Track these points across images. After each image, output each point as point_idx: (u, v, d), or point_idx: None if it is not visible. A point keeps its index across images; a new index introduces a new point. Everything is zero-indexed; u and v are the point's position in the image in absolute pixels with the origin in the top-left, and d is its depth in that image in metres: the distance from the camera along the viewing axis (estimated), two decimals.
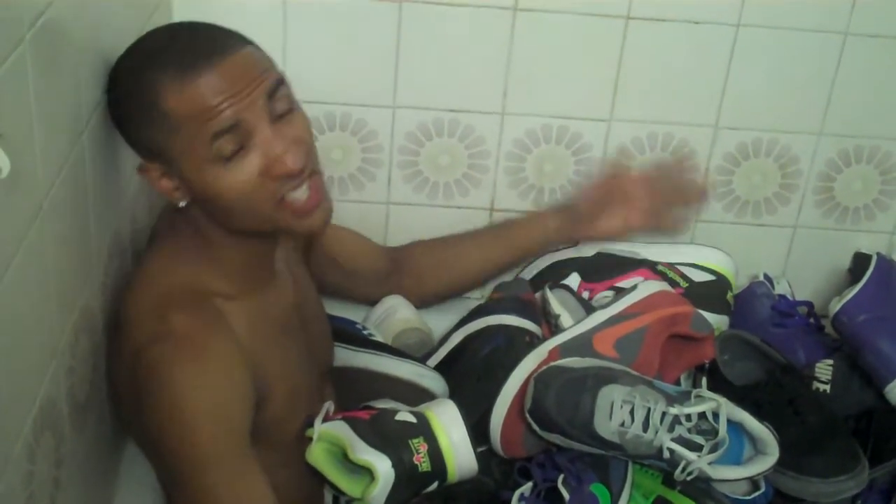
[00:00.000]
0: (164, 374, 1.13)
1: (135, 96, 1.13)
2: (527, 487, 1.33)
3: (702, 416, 1.31)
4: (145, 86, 1.11)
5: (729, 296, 1.66)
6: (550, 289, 1.59)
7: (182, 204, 1.18)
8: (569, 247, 1.72)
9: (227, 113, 1.10)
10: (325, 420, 1.29)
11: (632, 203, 1.62)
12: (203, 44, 1.13)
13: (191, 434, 1.12)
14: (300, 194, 1.17)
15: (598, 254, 1.69)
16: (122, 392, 1.22)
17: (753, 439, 1.36)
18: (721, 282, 1.66)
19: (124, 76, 1.15)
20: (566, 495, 1.28)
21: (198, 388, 1.13)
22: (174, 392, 1.12)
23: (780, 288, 1.77)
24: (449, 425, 1.26)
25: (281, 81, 1.16)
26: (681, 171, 1.66)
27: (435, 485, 1.27)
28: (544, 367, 1.35)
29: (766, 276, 1.77)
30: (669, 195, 1.63)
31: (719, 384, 1.50)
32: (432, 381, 1.47)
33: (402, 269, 1.68)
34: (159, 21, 1.42)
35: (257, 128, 1.12)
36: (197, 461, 1.12)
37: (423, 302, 1.70)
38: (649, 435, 1.29)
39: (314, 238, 1.48)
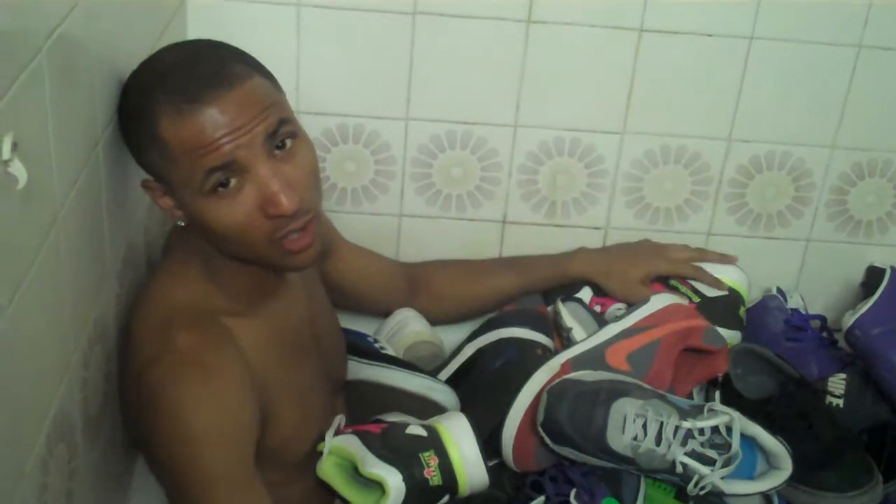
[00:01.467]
0: (167, 393, 1.12)
1: (137, 119, 1.13)
2: (539, 501, 1.32)
3: (715, 430, 1.30)
4: (147, 112, 1.11)
5: (741, 311, 1.66)
6: (562, 301, 1.59)
7: (181, 224, 1.18)
8: None
9: (224, 149, 1.09)
10: (336, 434, 1.29)
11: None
12: (207, 76, 1.10)
13: (194, 454, 1.12)
14: (297, 237, 1.16)
15: None
16: (130, 409, 1.22)
17: (766, 454, 1.35)
18: (733, 297, 1.66)
19: (130, 97, 1.15)
20: None
21: (201, 408, 1.12)
22: (177, 411, 1.12)
23: (793, 301, 1.76)
24: (460, 439, 1.26)
25: (284, 120, 1.13)
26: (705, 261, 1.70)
27: (446, 498, 1.26)
28: (557, 381, 1.34)
29: (778, 289, 1.76)
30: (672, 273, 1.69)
31: (732, 398, 1.50)
32: (443, 394, 1.47)
33: (419, 289, 1.69)
34: (174, 34, 1.43)
35: (254, 164, 1.10)
36: (200, 481, 1.12)
37: (436, 321, 1.70)
38: (662, 449, 1.28)
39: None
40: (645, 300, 1.51)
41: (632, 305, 1.53)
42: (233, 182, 1.11)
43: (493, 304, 1.70)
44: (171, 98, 1.09)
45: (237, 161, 1.10)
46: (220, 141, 1.08)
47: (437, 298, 1.69)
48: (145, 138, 1.12)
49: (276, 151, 1.13)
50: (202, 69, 1.11)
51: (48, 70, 0.93)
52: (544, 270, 1.69)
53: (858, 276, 1.79)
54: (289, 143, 1.14)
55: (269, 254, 1.17)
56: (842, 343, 1.66)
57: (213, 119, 1.08)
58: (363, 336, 1.59)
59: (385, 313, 1.68)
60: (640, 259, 1.67)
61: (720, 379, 1.53)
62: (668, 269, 1.66)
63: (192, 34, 1.54)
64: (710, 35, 1.63)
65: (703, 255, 1.69)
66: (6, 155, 0.81)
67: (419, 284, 1.69)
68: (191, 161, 1.09)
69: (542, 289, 1.70)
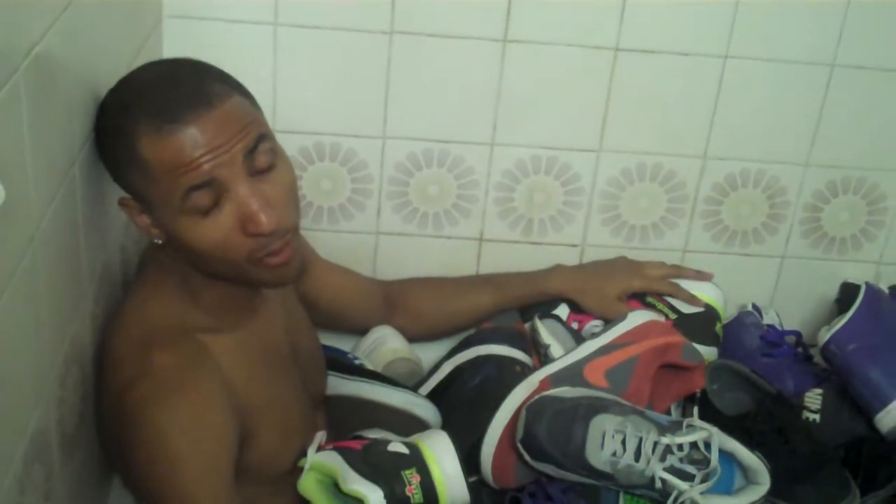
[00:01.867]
0: (146, 413, 1.12)
1: (116, 138, 1.12)
2: None
3: (694, 445, 1.31)
4: (126, 131, 1.10)
5: (718, 327, 1.66)
6: (540, 319, 1.60)
7: (159, 241, 1.18)
8: None
9: (204, 168, 1.09)
10: (317, 450, 1.28)
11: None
12: (187, 95, 1.10)
13: (173, 473, 1.11)
14: (276, 257, 1.16)
15: None
16: (107, 430, 1.21)
17: (744, 469, 1.36)
18: (710, 313, 1.66)
19: (109, 115, 1.15)
20: None
21: (180, 427, 1.12)
22: (156, 431, 1.11)
23: (769, 318, 1.77)
24: (442, 457, 1.26)
25: (262, 137, 1.14)
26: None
27: None
28: (535, 397, 1.35)
29: (754, 305, 1.77)
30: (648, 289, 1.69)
31: (709, 414, 1.50)
32: (425, 409, 1.47)
33: (396, 307, 1.68)
34: (150, 54, 1.43)
35: (234, 183, 1.11)
36: (179, 501, 1.11)
37: (413, 339, 1.70)
38: (641, 464, 1.29)
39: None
40: (622, 317, 1.51)
41: (609, 322, 1.54)
42: (210, 202, 1.10)
43: (470, 322, 1.70)
44: (151, 118, 1.09)
45: (216, 180, 1.10)
46: (199, 160, 1.08)
47: (414, 316, 1.69)
48: (124, 157, 1.12)
49: (256, 171, 1.13)
50: (182, 89, 1.11)
51: (25, 89, 0.93)
52: (521, 288, 1.69)
53: (833, 292, 1.80)
54: (266, 161, 1.13)
55: (248, 271, 1.16)
56: (817, 358, 1.67)
57: (193, 139, 1.08)
58: (343, 353, 1.59)
59: (362, 331, 1.68)
60: (616, 276, 1.68)
61: (698, 395, 1.54)
62: (644, 286, 1.66)
63: (168, 53, 1.54)
64: (685, 54, 1.65)
65: (679, 271, 1.70)
66: None
67: (396, 302, 1.69)
68: (170, 180, 1.09)
69: (518, 306, 1.70)
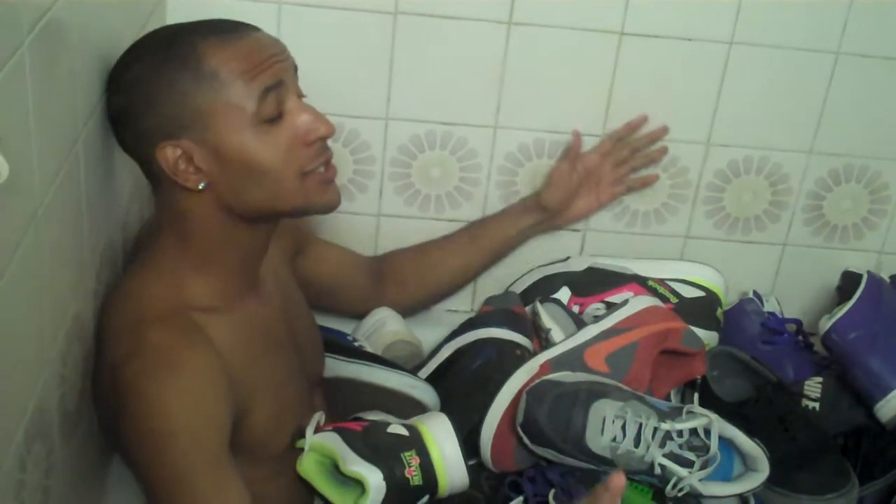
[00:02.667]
0: (140, 389, 1.12)
1: (169, 67, 1.12)
2: (517, 501, 1.33)
3: (693, 432, 1.31)
4: (185, 52, 1.12)
5: (718, 312, 1.67)
6: (541, 302, 1.60)
7: (201, 186, 1.16)
8: (558, 261, 1.73)
9: (276, 68, 1.14)
10: (315, 431, 1.28)
11: (598, 180, 1.71)
12: (232, 21, 1.18)
13: (168, 449, 1.12)
14: (327, 168, 1.21)
15: (589, 269, 1.70)
16: (104, 406, 1.22)
17: (744, 456, 1.36)
18: (710, 298, 1.67)
19: (146, 58, 1.15)
20: None
21: (174, 403, 1.12)
22: (150, 407, 1.12)
23: (769, 305, 1.77)
24: (441, 439, 1.26)
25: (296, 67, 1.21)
26: (633, 134, 1.71)
27: (426, 499, 1.26)
28: (536, 382, 1.35)
29: (755, 293, 1.77)
30: (630, 161, 1.71)
31: (709, 400, 1.50)
32: (424, 392, 1.47)
33: (383, 279, 1.69)
34: (154, 28, 1.42)
35: (291, 95, 1.17)
36: (175, 476, 1.12)
37: (407, 310, 1.70)
38: (641, 450, 1.29)
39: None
40: (624, 302, 1.52)
41: (611, 306, 1.54)
42: (275, 111, 1.15)
43: (456, 278, 1.72)
44: (212, 34, 1.14)
45: (284, 84, 1.15)
46: (270, 59, 1.14)
47: (401, 283, 1.69)
48: (182, 81, 1.12)
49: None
50: (223, 21, 1.18)
51: (30, 62, 0.92)
52: (494, 225, 1.72)
53: (834, 280, 1.80)
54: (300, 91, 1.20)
55: (300, 191, 1.19)
56: (817, 347, 1.67)
57: (259, 42, 1.15)
58: (342, 334, 1.59)
59: (358, 310, 1.68)
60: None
61: (698, 381, 1.54)
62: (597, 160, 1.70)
63: None
64: (689, 39, 1.64)
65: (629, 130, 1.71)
66: None
67: (384, 274, 1.69)
68: (244, 83, 1.12)
69: (499, 250, 1.72)
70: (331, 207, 1.25)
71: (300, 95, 1.19)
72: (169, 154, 1.14)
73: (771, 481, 1.35)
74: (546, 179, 1.70)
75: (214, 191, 1.17)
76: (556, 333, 1.52)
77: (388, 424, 1.28)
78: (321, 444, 1.26)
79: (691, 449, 1.30)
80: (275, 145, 1.15)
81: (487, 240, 1.71)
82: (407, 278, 1.70)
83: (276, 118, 1.15)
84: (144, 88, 1.14)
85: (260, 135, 1.14)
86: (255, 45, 1.14)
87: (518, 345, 1.54)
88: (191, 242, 1.21)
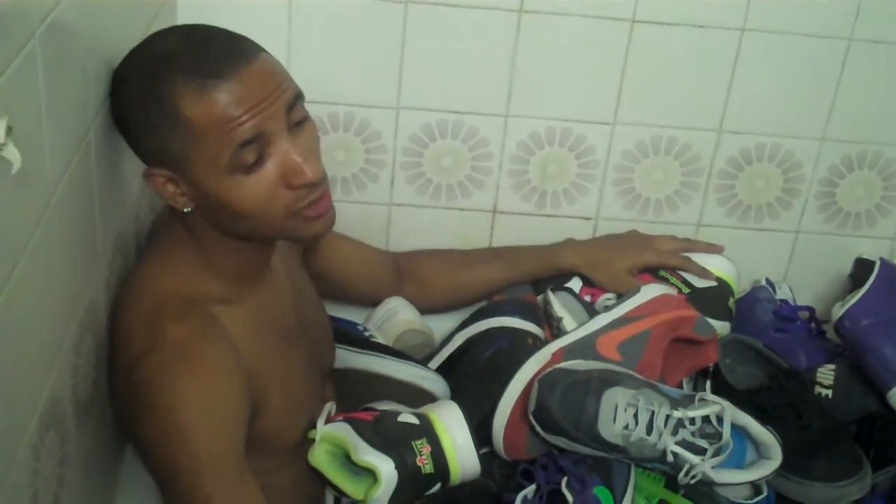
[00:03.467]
0: (158, 384, 1.12)
1: (152, 102, 1.10)
2: (530, 490, 1.32)
3: (706, 419, 1.30)
4: (165, 92, 1.08)
5: (731, 301, 1.66)
6: (553, 291, 1.60)
7: (187, 210, 1.16)
8: None
9: (252, 123, 1.08)
10: (326, 421, 1.29)
11: None
12: (223, 50, 1.11)
13: (185, 445, 1.12)
14: (316, 205, 1.16)
15: None
16: (120, 399, 1.22)
17: (756, 443, 1.36)
18: (723, 287, 1.66)
19: (137, 80, 1.12)
20: (570, 498, 1.27)
21: (192, 399, 1.12)
22: (168, 403, 1.12)
23: (782, 293, 1.77)
24: (452, 427, 1.26)
25: (300, 94, 1.15)
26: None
27: (437, 487, 1.26)
28: (548, 370, 1.35)
29: (767, 280, 1.77)
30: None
31: (721, 388, 1.50)
32: (434, 383, 1.47)
33: (406, 278, 1.69)
34: (163, 22, 1.41)
35: (278, 137, 1.11)
36: (192, 472, 1.12)
37: (423, 310, 1.70)
38: (653, 438, 1.29)
39: (314, 243, 1.48)
40: (635, 290, 1.51)
41: (622, 295, 1.53)
42: (255, 158, 1.10)
43: (479, 295, 1.70)
44: (192, 76, 1.08)
45: (264, 133, 1.10)
46: (247, 114, 1.08)
47: (423, 287, 1.69)
48: (164, 123, 1.09)
49: (293, 125, 1.14)
50: (215, 47, 1.11)
51: (41, 54, 0.92)
52: (532, 262, 1.69)
53: (847, 267, 1.79)
54: (301, 115, 1.15)
55: (286, 227, 1.17)
56: (830, 334, 1.66)
57: (239, 93, 1.08)
58: (353, 324, 1.59)
59: (372, 302, 1.68)
60: (628, 250, 1.67)
61: (710, 369, 1.54)
62: (656, 259, 1.66)
63: (182, 20, 1.53)
64: (701, 27, 1.64)
65: (691, 245, 1.69)
66: (0, 139, 0.80)
67: (405, 273, 1.69)
68: (218, 138, 1.08)
69: (529, 280, 1.70)
70: (319, 237, 1.24)
71: (301, 121, 1.15)
72: (157, 177, 1.15)
73: (784, 468, 1.34)
74: (609, 266, 1.67)
75: (203, 214, 1.17)
76: (568, 322, 1.52)
77: (398, 413, 1.28)
78: (332, 434, 1.26)
79: (704, 436, 1.30)
80: (253, 191, 1.12)
81: (523, 270, 1.69)
82: (430, 284, 1.70)
83: (254, 166, 1.11)
84: (134, 114, 1.14)
85: (240, 181, 1.11)
86: (235, 95, 1.08)
87: (530, 333, 1.54)
88: (197, 240, 1.21)
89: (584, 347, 1.42)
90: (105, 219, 1.19)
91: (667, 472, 1.33)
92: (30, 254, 0.92)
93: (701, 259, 1.67)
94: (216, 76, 1.08)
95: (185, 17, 1.54)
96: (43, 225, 0.95)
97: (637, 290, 1.52)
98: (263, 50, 1.15)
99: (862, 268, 1.68)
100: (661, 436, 1.29)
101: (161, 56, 1.12)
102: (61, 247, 1.02)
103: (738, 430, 1.34)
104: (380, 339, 1.58)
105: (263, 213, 1.14)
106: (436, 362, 1.57)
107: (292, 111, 1.13)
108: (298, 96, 1.15)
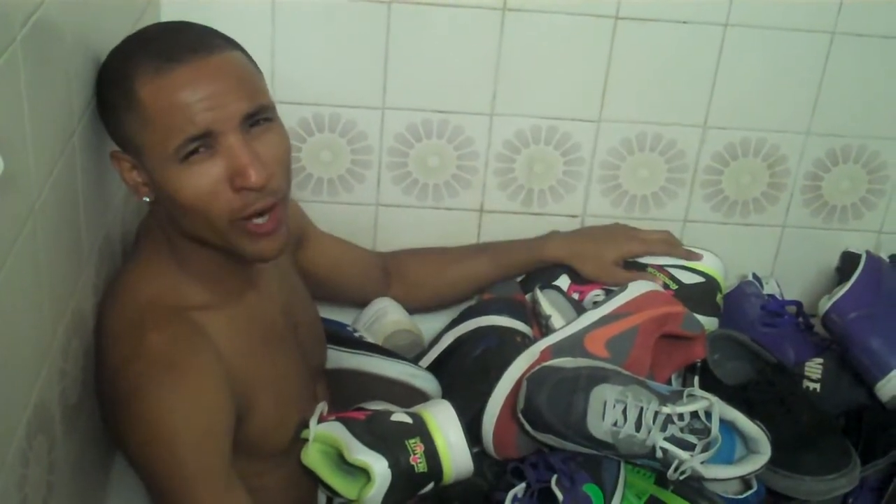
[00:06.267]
0: (141, 392, 1.12)
1: (114, 83, 1.12)
2: (520, 488, 1.32)
3: (694, 415, 1.31)
4: (124, 73, 1.10)
5: (718, 298, 1.66)
6: (541, 289, 1.59)
7: (147, 200, 1.16)
8: None
9: (201, 117, 1.08)
10: (319, 421, 1.28)
11: None
12: (191, 40, 1.11)
13: (169, 451, 1.12)
14: (261, 221, 1.14)
15: None
16: (107, 405, 1.21)
17: (745, 438, 1.36)
18: (710, 284, 1.66)
19: (110, 60, 1.15)
20: (560, 496, 1.28)
21: (176, 407, 1.12)
22: (153, 412, 1.12)
23: (769, 287, 1.77)
24: (445, 426, 1.26)
25: (265, 107, 1.13)
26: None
27: (431, 486, 1.26)
28: (536, 368, 1.35)
29: (754, 275, 1.77)
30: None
31: (710, 384, 1.50)
32: (425, 381, 1.47)
33: (394, 278, 1.68)
34: (148, 21, 1.41)
35: (228, 136, 1.09)
36: (179, 480, 1.12)
37: (412, 309, 1.69)
38: (642, 434, 1.29)
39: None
40: (623, 287, 1.51)
41: (610, 292, 1.54)
42: (203, 151, 1.09)
43: (468, 291, 1.70)
44: (151, 59, 1.09)
45: (213, 133, 1.09)
46: (196, 106, 1.07)
47: (412, 286, 1.69)
48: (122, 102, 1.10)
49: (250, 134, 1.12)
50: (185, 36, 1.12)
51: (24, 58, 0.92)
52: (518, 255, 1.69)
53: (833, 261, 1.80)
54: (263, 127, 1.13)
55: (230, 235, 1.14)
56: (818, 328, 1.67)
57: (191, 81, 1.08)
58: (342, 325, 1.59)
59: (360, 303, 1.68)
60: (614, 240, 1.67)
61: (698, 365, 1.54)
62: (642, 248, 1.66)
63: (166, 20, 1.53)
64: (685, 22, 1.64)
65: (672, 249, 1.68)
66: None
67: (393, 273, 1.69)
68: (167, 124, 1.08)
69: (516, 274, 1.69)
70: (261, 259, 1.20)
71: (264, 128, 1.13)
72: (121, 161, 1.15)
73: (773, 463, 1.35)
74: (595, 257, 1.66)
75: (161, 208, 1.17)
76: (557, 320, 1.52)
77: (391, 413, 1.28)
78: (325, 433, 1.26)
79: (692, 432, 1.30)
80: (196, 183, 1.10)
81: (510, 265, 1.69)
82: (417, 283, 1.69)
83: (202, 156, 1.09)
84: (102, 92, 1.15)
85: (182, 171, 1.10)
86: (187, 83, 1.08)
87: (518, 332, 1.54)
88: (174, 246, 1.20)
89: (573, 345, 1.42)
90: (91, 222, 1.18)
91: (656, 468, 1.33)
92: (15, 258, 0.91)
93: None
94: (174, 61, 1.08)
95: (168, 18, 1.53)
96: (28, 229, 0.95)
97: (625, 287, 1.52)
98: (240, 51, 1.15)
99: (848, 261, 1.69)
100: (649, 432, 1.29)
101: (134, 39, 1.14)
102: (47, 251, 1.02)
103: (727, 426, 1.34)
104: (370, 339, 1.57)
105: (208, 211, 1.12)
106: (425, 362, 1.56)
107: (251, 119, 1.11)
108: (264, 109, 1.13)
